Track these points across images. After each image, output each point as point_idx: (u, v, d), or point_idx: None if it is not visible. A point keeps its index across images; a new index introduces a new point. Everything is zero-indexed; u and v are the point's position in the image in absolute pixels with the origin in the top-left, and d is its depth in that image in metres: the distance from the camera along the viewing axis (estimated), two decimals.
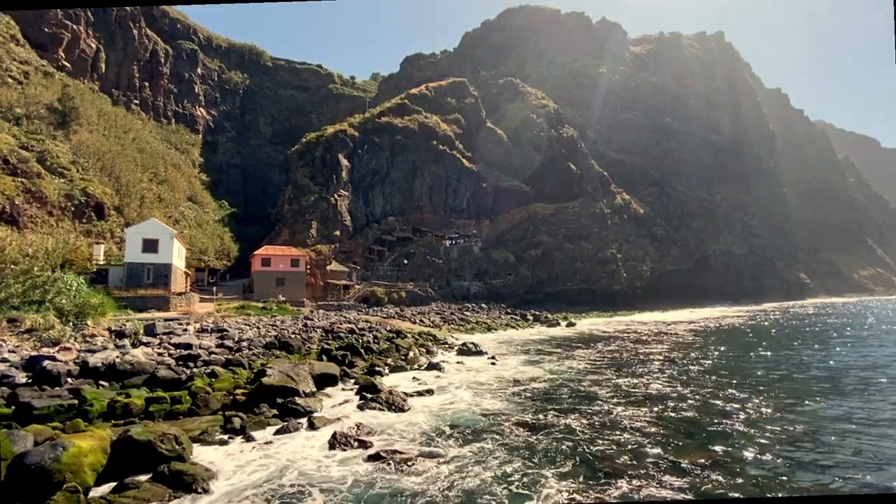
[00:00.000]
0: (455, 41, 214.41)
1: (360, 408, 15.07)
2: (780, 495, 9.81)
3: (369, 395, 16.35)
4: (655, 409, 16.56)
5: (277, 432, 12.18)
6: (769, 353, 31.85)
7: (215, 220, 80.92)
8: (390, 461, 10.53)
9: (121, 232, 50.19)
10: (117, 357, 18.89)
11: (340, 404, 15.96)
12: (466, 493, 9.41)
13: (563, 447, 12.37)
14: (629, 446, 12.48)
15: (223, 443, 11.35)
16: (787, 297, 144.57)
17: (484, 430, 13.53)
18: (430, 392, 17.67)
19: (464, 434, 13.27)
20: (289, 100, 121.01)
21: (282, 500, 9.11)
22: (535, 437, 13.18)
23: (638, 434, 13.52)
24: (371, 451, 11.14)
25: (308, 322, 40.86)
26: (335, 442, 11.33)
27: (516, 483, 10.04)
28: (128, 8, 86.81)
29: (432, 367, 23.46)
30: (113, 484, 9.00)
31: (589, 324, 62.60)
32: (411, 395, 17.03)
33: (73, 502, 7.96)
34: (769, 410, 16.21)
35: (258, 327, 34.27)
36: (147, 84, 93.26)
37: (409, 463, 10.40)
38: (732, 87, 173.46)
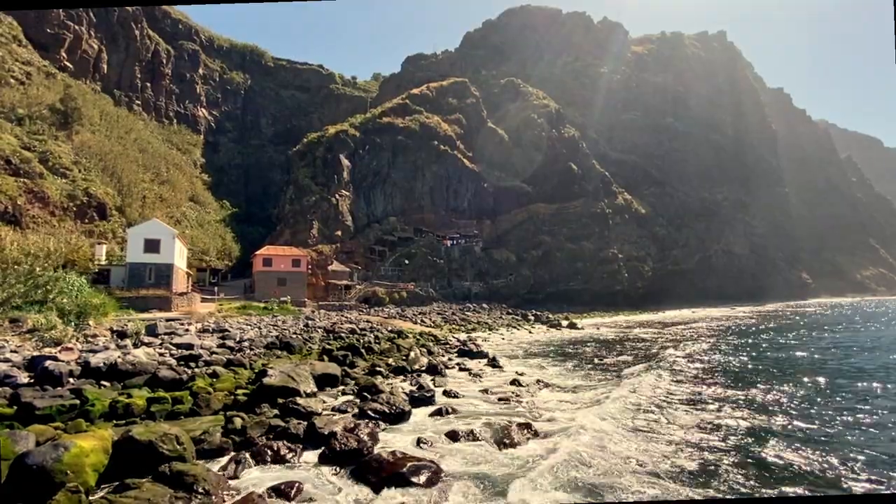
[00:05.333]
0: (456, 41, 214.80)
1: (361, 409, 15.05)
2: (780, 495, 9.74)
3: (370, 397, 16.34)
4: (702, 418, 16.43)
5: (276, 437, 12.17)
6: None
7: (217, 220, 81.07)
8: (388, 466, 10.48)
9: (123, 232, 50.33)
10: (119, 357, 18.93)
11: (341, 405, 15.95)
12: None
13: (571, 459, 12.34)
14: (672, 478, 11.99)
15: (220, 452, 11.34)
16: (790, 298, 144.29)
17: (484, 436, 13.50)
18: (430, 393, 17.66)
19: (466, 438, 13.24)
20: (290, 100, 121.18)
21: None
22: (535, 442, 13.18)
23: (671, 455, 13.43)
24: (370, 455, 11.13)
25: (309, 322, 40.91)
26: (335, 443, 11.33)
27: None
28: (129, 8, 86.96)
29: (433, 367, 23.44)
30: (114, 484, 9.01)
31: (591, 324, 62.47)
32: (412, 397, 17.03)
33: (74, 502, 7.97)
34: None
35: (259, 327, 34.29)
36: (149, 84, 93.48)
37: (409, 468, 10.37)
38: (734, 86, 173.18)
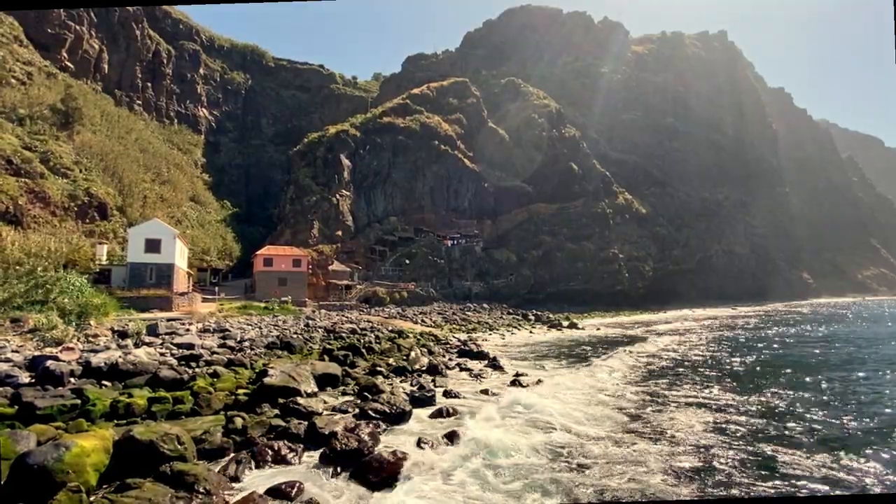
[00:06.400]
0: (456, 41, 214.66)
1: (362, 409, 15.06)
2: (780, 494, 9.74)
3: (371, 397, 16.35)
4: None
5: (277, 437, 12.17)
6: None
7: (217, 220, 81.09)
8: (389, 466, 10.49)
9: (124, 232, 50.36)
10: (120, 357, 18.93)
11: (342, 405, 15.96)
12: None
13: (570, 465, 12.33)
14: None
15: (221, 452, 11.34)
16: (790, 298, 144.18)
17: (485, 438, 13.51)
18: (431, 393, 17.67)
19: (469, 439, 13.26)
20: (291, 100, 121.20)
21: None
22: (533, 442, 13.18)
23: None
24: (371, 455, 11.14)
25: (310, 322, 40.91)
26: (336, 443, 11.34)
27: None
28: (130, 8, 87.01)
29: (433, 367, 23.45)
30: (115, 484, 9.02)
31: (592, 324, 62.38)
32: (413, 397, 17.04)
33: (75, 502, 7.98)
34: None
35: (260, 327, 34.30)
36: (149, 84, 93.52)
37: (409, 468, 10.38)
38: (735, 86, 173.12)
